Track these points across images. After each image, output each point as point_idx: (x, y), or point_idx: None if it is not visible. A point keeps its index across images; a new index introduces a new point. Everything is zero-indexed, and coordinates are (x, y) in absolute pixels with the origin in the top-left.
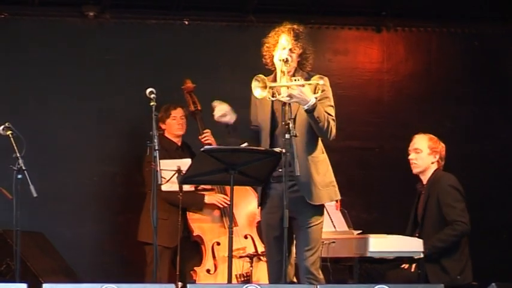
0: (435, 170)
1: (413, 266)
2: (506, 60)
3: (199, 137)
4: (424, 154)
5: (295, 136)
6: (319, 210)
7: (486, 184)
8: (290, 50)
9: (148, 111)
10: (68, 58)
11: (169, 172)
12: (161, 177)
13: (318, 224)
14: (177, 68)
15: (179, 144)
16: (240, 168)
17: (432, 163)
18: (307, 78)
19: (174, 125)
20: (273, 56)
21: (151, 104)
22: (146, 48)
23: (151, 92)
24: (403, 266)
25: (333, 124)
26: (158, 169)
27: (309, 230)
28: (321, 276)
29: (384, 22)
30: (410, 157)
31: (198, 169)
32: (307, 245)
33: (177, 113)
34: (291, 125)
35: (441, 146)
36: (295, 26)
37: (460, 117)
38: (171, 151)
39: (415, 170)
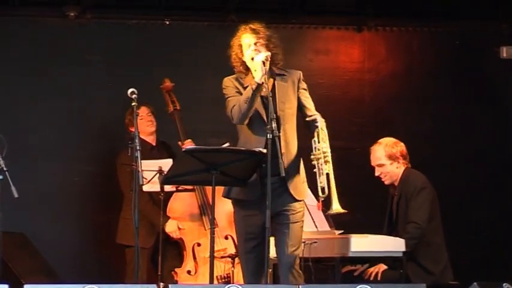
0: (404, 170)
1: (373, 273)
2: (487, 59)
3: (179, 143)
4: (388, 166)
5: (278, 136)
6: (302, 206)
7: (466, 183)
8: (255, 44)
9: None
10: (49, 58)
11: (150, 172)
12: (142, 177)
13: (301, 221)
14: (158, 68)
15: (154, 144)
16: (222, 168)
17: (397, 168)
18: (285, 75)
19: (144, 124)
20: (241, 60)
21: (133, 104)
22: (127, 48)
23: (132, 92)
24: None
25: None
26: (140, 169)
27: (294, 225)
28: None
29: (365, 22)
30: (376, 174)
31: (180, 169)
32: (291, 240)
33: (143, 112)
34: (274, 125)
35: (399, 147)
36: (250, 25)
37: (441, 117)
38: (145, 152)
39: (387, 183)
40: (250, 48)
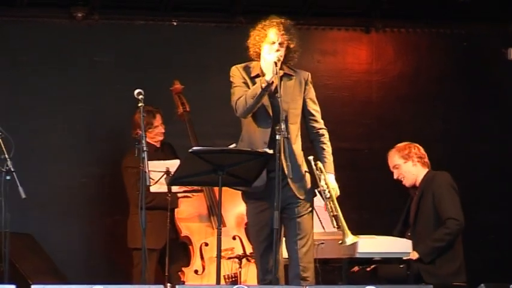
0: (427, 172)
1: (369, 269)
2: (495, 61)
3: None
4: (402, 166)
5: (287, 137)
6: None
7: (474, 185)
8: (280, 44)
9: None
10: (57, 59)
11: (157, 173)
12: (149, 178)
13: (309, 212)
14: (165, 68)
15: (158, 145)
16: (228, 169)
17: (414, 165)
18: (293, 75)
19: (158, 134)
20: (259, 49)
21: (140, 105)
22: (135, 49)
23: (139, 93)
24: (353, 269)
25: None
26: (146, 170)
27: (301, 218)
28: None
29: (373, 23)
30: (394, 177)
31: (187, 170)
32: (300, 232)
33: (158, 120)
34: (282, 126)
35: (413, 148)
36: (283, 20)
37: (449, 118)
38: (149, 153)
39: (408, 184)
40: (274, 46)
